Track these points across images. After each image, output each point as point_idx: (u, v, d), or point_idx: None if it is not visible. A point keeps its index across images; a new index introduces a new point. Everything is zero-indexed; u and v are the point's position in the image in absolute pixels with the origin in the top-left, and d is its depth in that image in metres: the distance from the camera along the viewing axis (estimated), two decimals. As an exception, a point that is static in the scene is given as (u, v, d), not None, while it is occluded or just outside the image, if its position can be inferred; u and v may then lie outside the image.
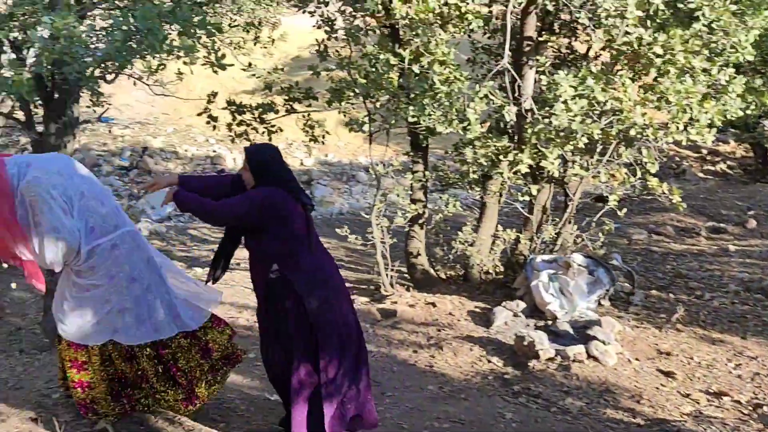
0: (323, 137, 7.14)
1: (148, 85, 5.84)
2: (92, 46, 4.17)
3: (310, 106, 6.84)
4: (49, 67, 4.21)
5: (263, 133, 6.99)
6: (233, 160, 15.59)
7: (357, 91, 6.10)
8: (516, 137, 6.35)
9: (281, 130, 6.90)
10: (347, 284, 8.02)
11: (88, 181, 3.43)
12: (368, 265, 9.15)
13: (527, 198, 6.36)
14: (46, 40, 3.97)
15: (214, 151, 15.86)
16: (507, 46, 5.43)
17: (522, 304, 6.02)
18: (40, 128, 5.12)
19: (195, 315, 3.56)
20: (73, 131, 5.09)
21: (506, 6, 5.87)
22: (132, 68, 5.04)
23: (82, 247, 3.31)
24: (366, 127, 6.33)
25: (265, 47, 7.14)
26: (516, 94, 5.93)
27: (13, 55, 4.92)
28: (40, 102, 4.88)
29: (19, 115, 5.27)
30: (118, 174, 14.82)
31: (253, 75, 6.44)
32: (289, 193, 3.31)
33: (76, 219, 3.28)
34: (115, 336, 3.43)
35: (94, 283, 3.39)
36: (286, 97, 6.76)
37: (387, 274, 6.87)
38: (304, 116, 6.98)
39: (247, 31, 6.68)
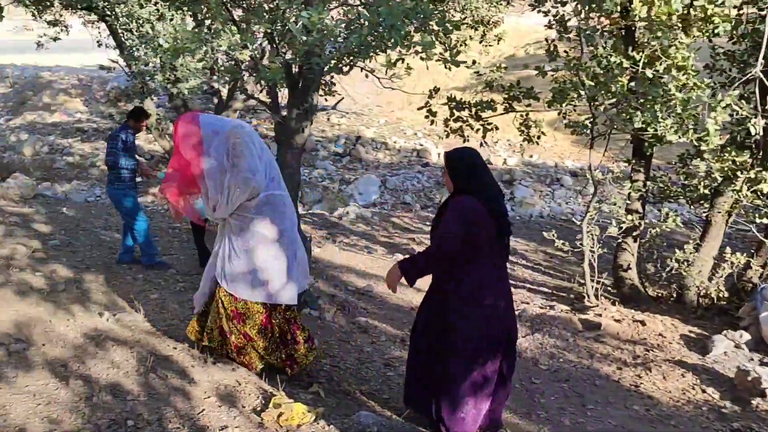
0: (538, 138, 7.02)
1: (378, 78, 6.16)
2: (339, 40, 4.49)
3: (529, 105, 6.76)
4: (300, 57, 4.62)
5: (478, 130, 7.05)
6: (438, 155, 15.92)
7: (582, 93, 5.90)
8: (760, 152, 5.75)
9: (497, 128, 6.90)
10: (545, 288, 7.89)
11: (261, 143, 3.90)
12: (567, 272, 8.87)
13: (765, 220, 5.72)
14: (301, 33, 4.34)
15: (421, 145, 16.32)
16: (762, 54, 4.91)
17: (746, 336, 5.46)
18: (283, 112, 5.66)
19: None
20: (310, 117, 5.55)
21: (764, 9, 5.31)
22: (365, 61, 5.34)
23: (261, 192, 3.74)
24: (588, 130, 6.10)
25: (490, 45, 7.17)
26: (766, 106, 5.35)
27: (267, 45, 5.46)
28: (286, 89, 5.39)
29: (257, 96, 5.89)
30: (332, 159, 15.86)
31: (477, 72, 6.49)
32: (482, 203, 3.35)
33: (262, 167, 3.77)
34: (276, 295, 3.84)
35: (258, 235, 3.77)
36: (506, 95, 6.73)
37: (592, 285, 6.60)
38: (522, 116, 6.92)
39: (475, 29, 6.76)
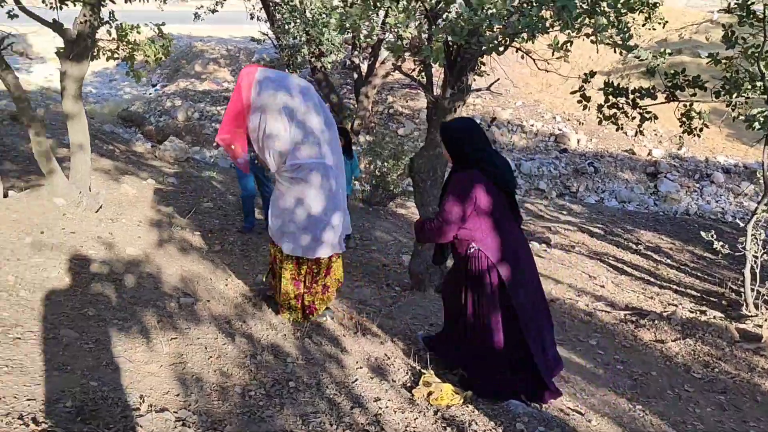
0: (701, 130, 6.55)
1: (533, 59, 5.99)
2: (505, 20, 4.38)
3: (694, 95, 6.31)
4: (462, 37, 4.55)
5: (633, 118, 6.69)
6: (577, 141, 15.34)
7: (758, 84, 5.43)
8: None
9: (656, 118, 6.51)
10: (693, 291, 7.42)
11: (315, 112, 3.90)
12: (716, 276, 8.29)
13: None
14: (467, 11, 4.28)
15: (559, 130, 15.80)
16: None
17: None
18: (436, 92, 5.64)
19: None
20: (463, 97, 5.49)
21: None
22: (525, 42, 5.18)
23: (288, 159, 3.83)
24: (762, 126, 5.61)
25: (653, 29, 6.73)
26: None
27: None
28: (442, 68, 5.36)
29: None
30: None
31: (638, 57, 6.13)
32: (485, 176, 3.33)
33: (291, 133, 3.79)
34: (319, 249, 4.01)
35: (296, 196, 3.92)
36: (669, 83, 6.32)
37: (752, 293, 6.12)
38: (685, 105, 6.48)
39: (639, 11, 6.36)
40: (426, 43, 4.69)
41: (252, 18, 14.19)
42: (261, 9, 13.42)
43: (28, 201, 6.03)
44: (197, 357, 3.38)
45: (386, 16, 4.61)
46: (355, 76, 15.57)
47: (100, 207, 6.33)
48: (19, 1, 6.12)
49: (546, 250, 8.97)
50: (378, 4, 4.72)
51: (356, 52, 15.26)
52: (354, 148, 6.48)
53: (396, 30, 4.62)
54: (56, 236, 5.21)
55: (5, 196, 6.19)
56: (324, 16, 11.62)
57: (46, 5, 6.57)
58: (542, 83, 18.34)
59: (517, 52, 5.98)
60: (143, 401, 2.83)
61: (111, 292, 4.23)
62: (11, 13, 6.71)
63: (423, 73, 6.04)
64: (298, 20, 11.22)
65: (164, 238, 6.03)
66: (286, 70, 12.97)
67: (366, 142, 13.87)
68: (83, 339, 3.39)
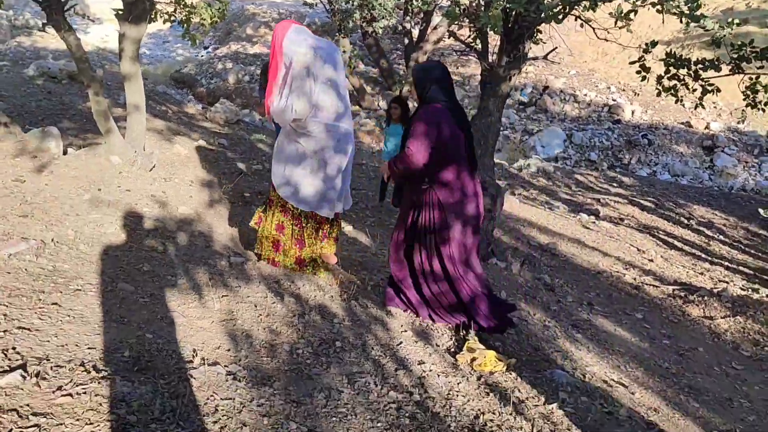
0: (766, 104, 6.29)
1: (593, 28, 5.81)
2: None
3: (761, 68, 6.05)
4: (522, 4, 4.46)
5: (694, 90, 6.47)
6: (631, 112, 14.93)
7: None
8: None
9: (719, 91, 6.27)
10: (745, 269, 7.23)
11: (337, 76, 4.01)
12: (772, 254, 8.05)
13: None
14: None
15: (614, 100, 15.38)
16: None
17: None
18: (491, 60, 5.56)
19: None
20: (519, 66, 5.40)
21: None
22: (582, 10, 5.04)
23: (309, 119, 3.95)
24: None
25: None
26: None
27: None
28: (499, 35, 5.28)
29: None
30: (516, 108, 15.47)
31: (703, 28, 5.89)
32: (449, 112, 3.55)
33: (311, 94, 3.91)
34: (321, 207, 4.18)
35: (304, 152, 4.07)
36: (735, 54, 6.07)
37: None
38: (750, 78, 6.22)
39: (706, -23, 6.11)
40: (483, 10, 4.60)
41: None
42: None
43: (86, 159, 6.22)
44: (247, 314, 3.48)
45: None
46: (406, 41, 15.42)
47: (154, 166, 6.49)
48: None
49: (594, 222, 8.83)
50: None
51: (408, 18, 15.08)
52: None
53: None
54: (113, 193, 5.37)
55: (64, 153, 6.40)
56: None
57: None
58: (598, 52, 17.83)
59: (576, 20, 5.83)
60: (196, 354, 2.93)
61: (164, 248, 4.36)
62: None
63: (478, 40, 5.95)
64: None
65: (215, 199, 6.16)
66: (337, 34, 12.93)
67: (414, 108, 13.79)
68: (139, 293, 3.52)
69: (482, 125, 5.57)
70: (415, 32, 15.44)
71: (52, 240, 4.07)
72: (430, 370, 3.28)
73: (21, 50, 15.22)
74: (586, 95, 15.71)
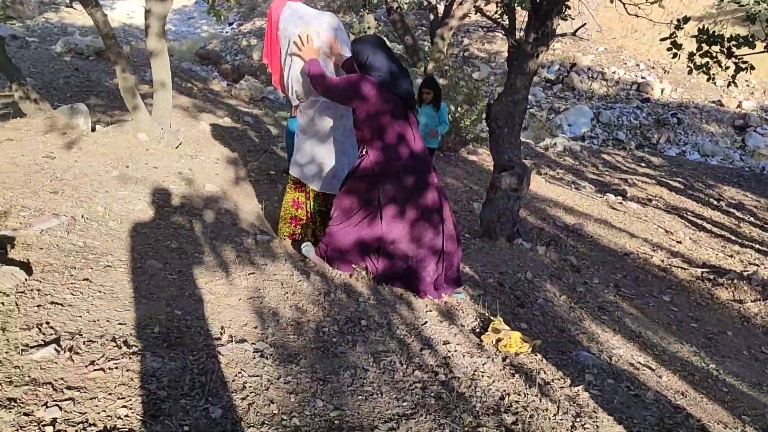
0: (802, 82, 6.12)
1: (623, 3, 5.69)
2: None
3: (797, 44, 5.88)
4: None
5: (727, 68, 6.31)
6: (660, 90, 14.65)
7: None
8: None
9: (752, 68, 6.11)
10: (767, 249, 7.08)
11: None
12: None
13: None
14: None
15: (643, 78, 15.09)
16: None
17: None
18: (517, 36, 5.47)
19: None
20: (547, 42, 5.30)
21: None
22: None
23: (309, 96, 4.09)
24: None
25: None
26: None
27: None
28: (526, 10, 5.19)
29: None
30: (543, 86, 15.25)
31: (737, 3, 5.74)
32: (381, 83, 3.62)
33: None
34: (324, 183, 4.31)
35: (313, 131, 4.22)
36: (770, 31, 5.90)
37: (844, 257, 5.80)
38: (786, 55, 6.05)
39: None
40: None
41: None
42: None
43: (114, 135, 6.28)
44: (273, 292, 3.51)
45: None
46: (431, 17, 15.23)
47: (180, 143, 6.53)
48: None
49: (621, 203, 8.72)
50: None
51: (433, -7, 14.89)
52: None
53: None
54: (140, 171, 5.42)
55: (93, 129, 6.47)
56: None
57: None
58: (627, 28, 17.47)
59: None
60: (224, 332, 2.97)
61: (191, 226, 4.40)
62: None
63: (505, 16, 5.84)
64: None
65: (240, 176, 6.19)
66: (362, 9, 12.82)
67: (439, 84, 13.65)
68: (167, 270, 3.56)
69: (508, 103, 5.50)
70: (441, 8, 15.24)
71: (82, 216, 4.13)
72: (455, 350, 3.29)
73: (48, 26, 15.35)
74: (614, 73, 15.43)
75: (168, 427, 2.21)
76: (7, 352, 2.46)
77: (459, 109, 9.12)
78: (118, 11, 20.05)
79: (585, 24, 6.03)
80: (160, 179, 5.30)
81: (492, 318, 3.74)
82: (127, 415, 2.23)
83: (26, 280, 3.07)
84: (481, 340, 3.48)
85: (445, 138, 9.35)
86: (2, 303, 2.81)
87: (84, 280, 3.22)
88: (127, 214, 4.34)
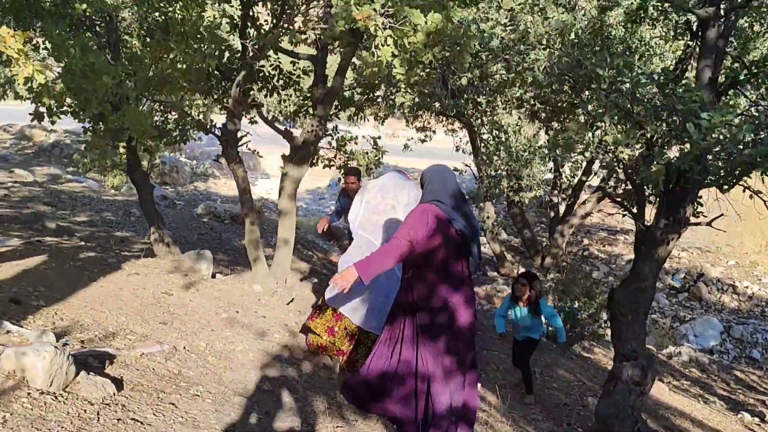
0: None
1: (764, 200, 5.37)
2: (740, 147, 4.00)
3: None
4: (687, 162, 4.23)
5: None
6: (804, 311, 13.44)
7: None
8: None
9: None
10: None
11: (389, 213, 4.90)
12: None
13: None
14: (697, 135, 3.98)
15: (780, 295, 14.00)
16: None
17: None
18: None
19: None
20: (678, 229, 5.03)
21: None
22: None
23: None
24: None
25: None
26: None
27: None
28: (654, 196, 5.03)
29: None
30: (666, 293, 14.49)
31: None
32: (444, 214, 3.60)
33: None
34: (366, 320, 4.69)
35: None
36: None
37: None
38: None
39: None
40: (644, 165, 4.40)
41: (457, 150, 14.79)
42: (467, 142, 13.96)
43: (231, 283, 6.46)
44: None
45: (604, 135, 4.45)
46: (552, 214, 15.34)
47: (292, 300, 6.59)
48: (260, 112, 6.92)
49: (759, 425, 7.64)
50: (596, 124, 4.59)
51: (555, 192, 15.13)
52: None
53: (614, 148, 4.42)
54: (248, 317, 5.46)
55: (213, 276, 6.71)
56: (527, 153, 11.78)
57: (282, 117, 7.35)
58: (761, 244, 16.65)
59: (744, 191, 5.44)
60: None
61: (287, 373, 4.24)
62: (252, 119, 7.62)
63: (633, 201, 5.68)
64: (503, 153, 11.44)
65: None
66: (484, 200, 13.15)
67: (555, 278, 13.33)
68: (255, 408, 3.38)
69: (634, 291, 5.14)
70: (562, 207, 15.36)
71: (184, 348, 4.11)
72: None
73: (195, 193, 16.92)
74: (747, 287, 14.48)
75: None
76: (74, 458, 2.31)
77: (576, 301, 8.73)
78: (259, 187, 21.87)
79: (722, 215, 5.72)
80: (265, 327, 5.28)
81: None
82: None
83: (114, 394, 3.00)
84: None
85: (569, 333, 8.86)
86: (84, 410, 2.72)
87: (170, 404, 3.10)
88: (227, 353, 4.28)
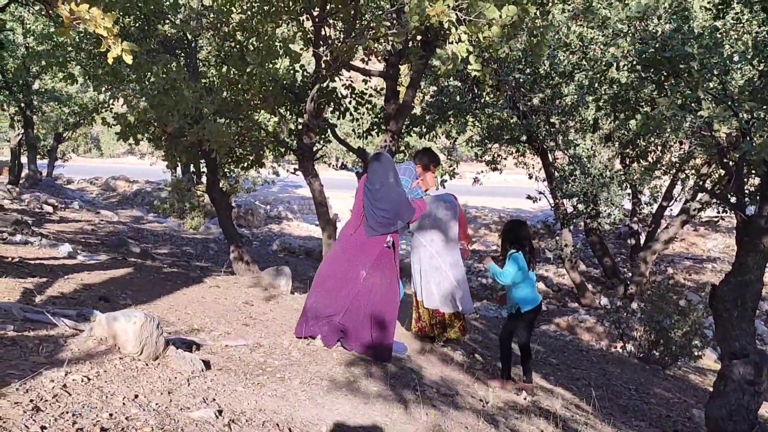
0: None
1: None
2: None
3: None
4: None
5: None
6: None
7: None
8: None
9: None
10: None
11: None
12: None
13: None
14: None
15: None
16: None
17: None
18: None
19: None
20: (784, 217, 4.67)
21: None
22: None
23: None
24: None
25: None
26: None
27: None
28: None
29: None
30: (765, 319, 13.56)
31: None
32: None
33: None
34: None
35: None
36: None
37: None
38: None
39: None
40: (744, 139, 4.08)
41: (530, 177, 14.48)
42: (540, 169, 13.66)
43: (310, 299, 6.40)
44: (456, 430, 3.00)
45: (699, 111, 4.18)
46: (632, 242, 14.74)
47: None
48: (334, 132, 6.98)
49: None
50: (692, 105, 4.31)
51: (635, 219, 14.58)
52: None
53: (710, 123, 4.14)
54: (329, 326, 5.36)
55: (292, 293, 6.69)
56: (603, 177, 11.40)
57: (355, 134, 7.39)
58: None
59: None
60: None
61: (371, 370, 4.10)
62: (326, 138, 7.70)
63: (729, 186, 5.33)
64: (579, 174, 11.10)
65: (426, 349, 5.87)
66: (561, 227, 12.78)
67: (639, 309, 12.66)
68: (342, 390, 3.26)
69: (738, 284, 4.76)
70: (642, 237, 14.75)
71: (268, 344, 4.05)
72: None
73: (270, 234, 17.21)
74: None
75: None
76: (166, 408, 2.24)
77: (668, 319, 8.21)
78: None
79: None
80: (346, 335, 5.18)
81: None
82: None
83: (203, 370, 2.93)
84: None
85: (652, 349, 8.33)
86: (175, 377, 2.66)
87: (257, 384, 3.01)
88: (311, 351, 4.18)
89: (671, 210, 14.50)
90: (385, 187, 4.41)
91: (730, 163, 4.79)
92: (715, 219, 12.02)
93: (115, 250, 7.62)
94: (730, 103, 4.25)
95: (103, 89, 5.95)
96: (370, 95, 7.60)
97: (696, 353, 8.39)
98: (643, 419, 5.20)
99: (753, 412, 4.52)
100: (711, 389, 4.98)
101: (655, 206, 13.75)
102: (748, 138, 4.03)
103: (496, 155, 14.13)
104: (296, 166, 6.83)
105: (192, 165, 15.61)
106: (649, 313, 8.81)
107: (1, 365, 2.33)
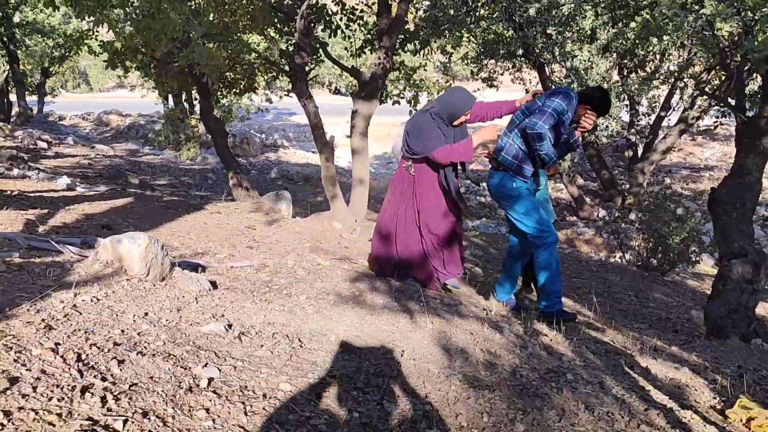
0: None
1: None
2: None
3: None
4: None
5: None
6: None
7: None
8: None
9: None
10: None
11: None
12: None
13: None
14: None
15: None
16: None
17: None
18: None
19: None
20: (785, 117, 4.62)
21: None
22: None
23: None
24: None
25: None
26: None
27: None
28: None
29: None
30: (761, 224, 13.69)
31: None
32: None
33: None
34: None
35: None
36: None
37: None
38: None
39: None
40: (746, 38, 3.99)
41: (527, 92, 14.26)
42: (537, 84, 13.45)
43: (312, 221, 6.44)
44: (462, 336, 3.06)
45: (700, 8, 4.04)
46: (630, 154, 14.69)
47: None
48: (326, 51, 6.81)
49: None
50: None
51: (633, 131, 14.45)
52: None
53: (712, 21, 4.01)
54: (331, 246, 5.41)
55: (293, 216, 6.71)
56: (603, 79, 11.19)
57: (348, 53, 7.22)
58: None
59: None
60: (404, 353, 2.57)
61: (376, 284, 4.16)
62: (318, 58, 7.53)
63: (730, 88, 5.25)
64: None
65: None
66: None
67: (637, 219, 12.76)
68: (354, 302, 3.32)
69: (737, 186, 4.77)
70: (640, 148, 14.67)
71: (273, 264, 4.08)
72: (693, 418, 2.55)
73: (267, 162, 17.11)
74: None
75: (338, 403, 1.82)
76: (176, 323, 2.28)
77: (666, 227, 8.28)
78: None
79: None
80: (349, 255, 5.22)
81: (740, 396, 2.93)
82: (290, 390, 1.89)
83: (210, 290, 2.97)
84: (726, 416, 2.69)
85: (650, 256, 8.44)
86: (183, 296, 2.70)
87: (264, 300, 3.05)
88: (315, 268, 4.23)
89: (669, 120, 14.37)
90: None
91: (731, 64, 4.69)
92: (714, 126, 11.88)
93: (114, 181, 7.59)
94: (732, -1, 4.12)
95: (86, 16, 5.76)
96: (362, 11, 7.38)
97: (694, 258, 8.52)
98: (643, 321, 5.33)
99: (751, 310, 4.62)
100: (709, 292, 5.08)
101: (653, 117, 13.63)
102: (750, 36, 3.93)
103: (492, 72, 13.84)
104: (289, 89, 6.69)
105: (184, 93, 15.36)
106: (648, 221, 8.89)
107: (11, 288, 2.36)
